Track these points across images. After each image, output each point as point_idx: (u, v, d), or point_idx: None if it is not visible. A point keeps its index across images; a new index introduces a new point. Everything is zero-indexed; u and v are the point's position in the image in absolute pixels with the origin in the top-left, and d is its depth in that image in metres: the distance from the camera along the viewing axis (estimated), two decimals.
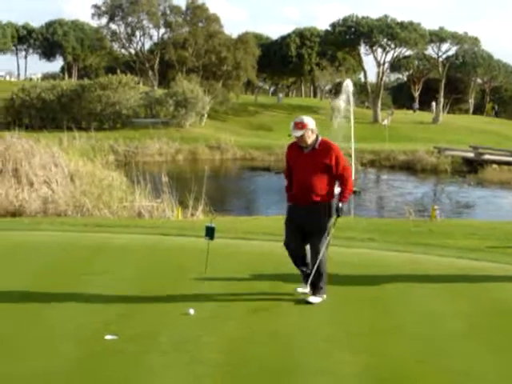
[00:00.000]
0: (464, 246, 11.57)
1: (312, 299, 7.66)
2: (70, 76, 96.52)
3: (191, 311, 7.27)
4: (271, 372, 5.80)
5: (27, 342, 6.38)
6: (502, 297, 8.23)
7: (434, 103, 78.66)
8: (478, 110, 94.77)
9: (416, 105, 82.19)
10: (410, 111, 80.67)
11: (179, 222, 15.36)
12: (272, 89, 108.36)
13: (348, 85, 34.24)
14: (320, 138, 7.80)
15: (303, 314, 7.27)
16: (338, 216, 7.81)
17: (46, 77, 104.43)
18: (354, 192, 30.56)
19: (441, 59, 75.57)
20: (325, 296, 7.78)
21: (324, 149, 7.72)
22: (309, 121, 7.76)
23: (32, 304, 7.53)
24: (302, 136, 7.68)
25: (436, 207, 16.10)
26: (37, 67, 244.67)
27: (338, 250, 10.92)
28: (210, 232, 8.29)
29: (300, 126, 7.67)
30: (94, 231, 12.63)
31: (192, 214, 18.34)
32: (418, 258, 10.43)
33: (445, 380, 5.68)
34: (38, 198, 20.52)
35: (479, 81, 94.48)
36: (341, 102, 35.02)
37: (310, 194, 7.67)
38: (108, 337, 6.50)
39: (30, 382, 5.51)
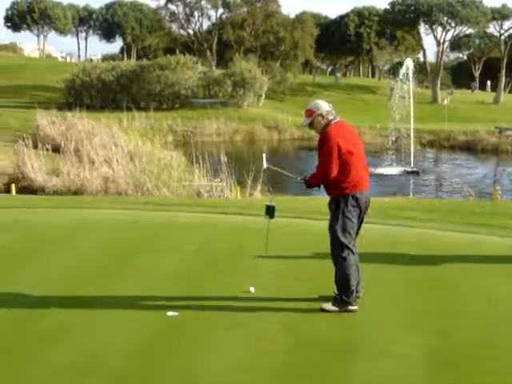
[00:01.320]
0: None
1: (325, 305, 6.79)
2: (129, 57, 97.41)
3: (252, 289, 7.30)
4: (335, 352, 5.79)
5: (91, 319, 6.53)
6: None
7: (489, 82, 77.27)
8: None
9: (474, 84, 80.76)
10: (469, 91, 79.31)
11: (238, 201, 15.44)
12: (330, 69, 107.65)
13: (408, 64, 33.81)
14: (327, 125, 6.75)
15: (368, 292, 7.21)
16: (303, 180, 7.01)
17: (105, 58, 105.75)
18: (414, 172, 30.31)
19: (503, 37, 74.02)
20: (336, 309, 6.72)
21: (321, 138, 6.77)
22: (318, 105, 6.85)
23: (98, 281, 7.67)
24: (311, 124, 6.88)
25: (498, 188, 15.84)
26: (97, 48, 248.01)
27: (399, 229, 10.92)
28: (270, 211, 8.24)
29: (308, 112, 6.87)
30: (154, 209, 12.76)
31: (250, 194, 18.41)
32: (479, 239, 10.27)
33: (510, 362, 5.60)
34: (98, 177, 20.85)
35: None
36: (400, 82, 34.56)
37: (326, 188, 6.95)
38: (170, 313, 6.58)
39: (95, 357, 5.61)
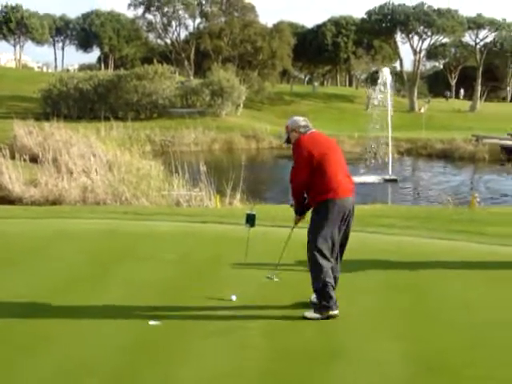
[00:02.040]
0: (505, 233, 11.44)
1: (307, 313, 6.78)
2: (106, 67, 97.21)
3: (233, 297, 7.31)
4: (316, 358, 5.80)
5: (74, 328, 6.49)
6: None
7: (462, 90, 78.15)
8: None
9: (448, 92, 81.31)
10: (453, 100, 79.96)
11: (218, 210, 15.46)
12: (307, 78, 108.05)
13: (385, 73, 34.04)
14: (298, 137, 6.91)
15: (347, 300, 7.25)
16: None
17: (82, 68, 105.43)
18: (392, 180, 30.46)
19: (478, 46, 74.73)
20: (318, 315, 6.72)
21: (293, 148, 6.91)
22: (292, 121, 7.08)
23: (78, 290, 7.64)
24: (289, 139, 7.08)
25: (476, 195, 15.97)
26: (73, 58, 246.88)
27: (377, 236, 10.99)
28: (250, 219, 8.26)
29: (286, 129, 7.15)
30: (134, 219, 12.74)
31: (230, 203, 18.44)
32: (457, 246, 10.35)
33: (487, 368, 5.63)
34: (77, 187, 20.77)
35: None
36: (377, 90, 34.78)
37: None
38: (152, 322, 6.58)
39: (80, 367, 5.59)
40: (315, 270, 6.75)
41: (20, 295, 7.43)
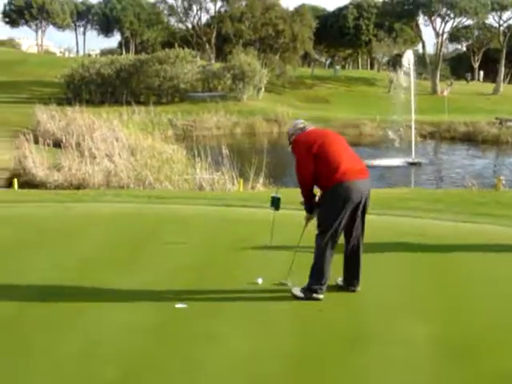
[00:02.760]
0: None
1: (294, 289, 6.88)
2: (127, 51, 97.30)
3: (259, 280, 7.30)
4: (346, 339, 5.80)
5: (99, 311, 6.51)
6: None
7: (481, 72, 77.49)
8: None
9: (469, 74, 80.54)
10: (474, 82, 79.26)
11: (242, 194, 15.46)
12: (328, 61, 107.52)
13: (409, 56, 33.80)
14: (294, 137, 7.02)
15: (374, 281, 7.24)
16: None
17: (104, 53, 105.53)
18: (415, 164, 30.32)
19: (502, 28, 73.92)
20: (302, 295, 6.78)
21: (292, 150, 7.01)
22: (291, 128, 7.19)
23: (104, 273, 7.66)
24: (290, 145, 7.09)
25: (501, 177, 15.84)
26: (95, 43, 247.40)
27: (402, 219, 10.94)
28: (275, 202, 8.23)
29: (287, 136, 7.19)
30: (158, 203, 12.78)
31: (252, 187, 18.44)
32: (483, 229, 10.28)
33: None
34: (100, 172, 20.87)
35: None
36: (400, 73, 34.58)
37: None
38: (178, 305, 6.59)
39: (104, 349, 5.62)
40: (317, 254, 6.81)
41: (48, 277, 7.47)
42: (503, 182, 15.62)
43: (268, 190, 15.70)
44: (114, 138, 27.60)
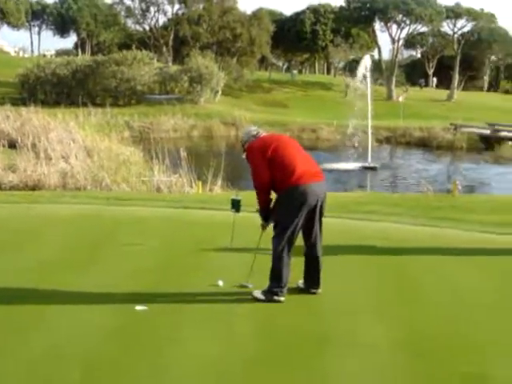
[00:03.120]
0: (488, 220, 11.51)
1: (255, 292, 6.91)
2: (83, 52, 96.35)
3: (220, 283, 7.29)
4: (310, 342, 5.82)
5: (58, 314, 6.43)
6: None
7: (434, 79, 78.83)
8: (492, 87, 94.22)
9: (422, 81, 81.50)
10: (427, 89, 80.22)
11: (200, 196, 15.41)
12: (285, 65, 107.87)
13: (366, 61, 34.06)
14: (248, 144, 7.06)
15: (336, 284, 7.27)
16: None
17: (59, 53, 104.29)
18: (371, 168, 30.56)
19: (456, 36, 74.98)
20: (263, 298, 6.79)
21: (246, 157, 7.05)
22: (243, 136, 7.22)
23: (64, 275, 7.55)
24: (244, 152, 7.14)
25: (457, 182, 16.03)
26: (50, 43, 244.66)
27: (363, 223, 11.01)
28: (235, 204, 8.27)
29: (241, 143, 7.24)
30: (116, 204, 12.67)
31: (210, 190, 18.38)
32: (442, 232, 10.41)
33: (479, 351, 5.68)
34: (56, 173, 20.58)
35: (494, 58, 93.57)
36: (357, 78, 34.83)
37: None
38: (138, 307, 6.53)
39: (65, 353, 5.53)
40: (274, 258, 6.82)
41: (8, 280, 7.36)
42: (459, 187, 15.79)
43: (226, 193, 15.68)
44: (71, 139, 27.26)
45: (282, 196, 6.77)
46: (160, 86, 54.94)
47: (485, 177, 30.27)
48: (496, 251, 9.07)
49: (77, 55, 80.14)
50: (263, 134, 7.15)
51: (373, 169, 30.80)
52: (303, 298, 6.94)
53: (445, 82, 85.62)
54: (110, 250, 8.70)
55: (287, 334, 6.00)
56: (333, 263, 7.56)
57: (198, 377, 5.13)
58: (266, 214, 7.05)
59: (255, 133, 7.13)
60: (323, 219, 7.01)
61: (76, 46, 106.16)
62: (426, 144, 42.69)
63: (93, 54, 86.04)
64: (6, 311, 6.44)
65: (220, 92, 55.78)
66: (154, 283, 7.33)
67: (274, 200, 6.98)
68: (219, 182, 18.78)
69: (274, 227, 6.89)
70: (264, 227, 7.21)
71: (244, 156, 7.16)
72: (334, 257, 8.21)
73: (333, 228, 9.53)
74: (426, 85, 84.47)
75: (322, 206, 6.89)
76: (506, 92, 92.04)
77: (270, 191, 6.91)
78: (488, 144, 40.39)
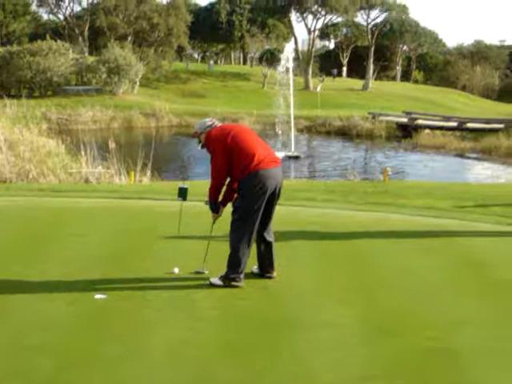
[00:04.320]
0: (421, 205, 11.89)
1: (212, 279, 6.98)
2: None
3: (176, 270, 7.31)
4: (271, 325, 5.90)
5: (18, 305, 6.35)
6: (472, 250, 8.52)
7: (344, 68, 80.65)
8: (404, 77, 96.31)
9: (335, 71, 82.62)
10: (339, 78, 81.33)
11: (136, 186, 15.33)
12: (200, 56, 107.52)
13: (288, 51, 34.39)
14: (207, 133, 7.07)
15: (288, 269, 7.39)
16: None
17: None
18: (295, 157, 30.89)
19: (370, 26, 76.33)
20: (221, 283, 6.88)
21: (206, 146, 7.08)
22: (199, 125, 7.21)
23: (11, 268, 7.42)
24: (201, 143, 7.18)
25: (388, 168, 16.43)
26: None
27: (302, 209, 11.17)
28: (183, 193, 8.26)
29: (194, 135, 7.24)
30: (52, 196, 12.48)
31: (140, 180, 18.29)
32: (380, 217, 10.68)
33: (438, 327, 5.90)
34: None
35: (405, 48, 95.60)
36: (279, 69, 35.11)
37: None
38: (98, 296, 6.50)
39: (25, 344, 5.46)
40: (232, 244, 6.93)
41: None
42: (389, 173, 16.19)
43: (161, 183, 15.65)
44: None
45: (244, 182, 6.80)
46: (77, 78, 54.19)
47: (405, 164, 30.99)
48: (435, 233, 9.38)
49: None
50: (218, 124, 7.19)
51: (296, 158, 31.14)
52: (260, 283, 7.03)
53: (359, 71, 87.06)
54: (58, 241, 8.57)
55: (250, 319, 6.06)
56: (281, 249, 7.66)
57: (171, 361, 5.15)
58: (216, 205, 7.13)
59: (210, 123, 7.15)
60: None
61: None
62: (345, 133, 43.39)
63: (2, 44, 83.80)
64: None
65: (138, 83, 55.29)
66: (108, 272, 7.27)
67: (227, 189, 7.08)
68: (149, 173, 18.70)
69: (233, 213, 6.95)
70: (216, 218, 7.28)
71: (199, 147, 7.22)
72: (281, 243, 8.33)
73: (275, 215, 9.70)
74: (339, 75, 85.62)
75: (279, 192, 7.01)
76: (416, 82, 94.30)
77: (226, 179, 6.98)
78: (406, 132, 41.34)
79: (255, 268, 7.30)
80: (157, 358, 5.18)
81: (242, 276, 6.90)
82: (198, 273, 7.30)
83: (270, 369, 5.04)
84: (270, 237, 7.15)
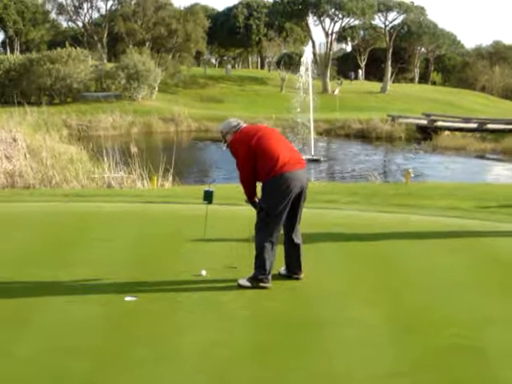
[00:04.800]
0: (445, 205, 11.89)
1: (240, 280, 7.04)
2: (12, 51, 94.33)
3: (203, 272, 7.37)
4: (300, 325, 5.96)
5: (49, 308, 6.42)
6: (497, 250, 8.55)
7: (360, 71, 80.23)
8: (422, 79, 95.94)
9: (352, 74, 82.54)
10: (356, 81, 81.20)
11: (158, 191, 15.40)
12: (217, 61, 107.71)
13: (307, 54, 34.42)
14: (232, 137, 7.15)
15: (313, 270, 7.43)
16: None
17: None
18: (315, 160, 30.91)
19: (387, 29, 76.17)
20: (249, 284, 6.94)
21: (231, 149, 7.14)
22: (224, 125, 7.31)
23: (42, 272, 7.51)
24: (227, 143, 7.25)
25: (410, 170, 16.43)
26: None
27: (326, 212, 11.20)
28: (208, 196, 8.32)
29: (221, 135, 7.33)
30: (76, 201, 12.58)
31: (162, 185, 18.39)
32: (404, 218, 10.68)
33: (465, 325, 5.93)
34: (2, 173, 20.27)
35: (423, 50, 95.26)
36: (300, 72, 35.08)
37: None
38: (128, 298, 6.58)
39: (62, 348, 5.53)
40: (257, 246, 6.99)
41: None
42: (411, 175, 16.20)
43: (184, 188, 15.74)
44: (11, 138, 26.82)
45: (269, 184, 6.87)
46: (96, 84, 54.46)
47: (426, 166, 30.91)
48: (460, 233, 9.39)
49: (5, 54, 78.46)
50: (243, 124, 7.25)
51: (316, 161, 31.14)
52: (288, 284, 7.09)
53: (376, 74, 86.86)
54: (85, 246, 8.66)
55: (279, 319, 6.12)
56: (308, 251, 7.69)
57: (204, 363, 5.20)
58: (255, 203, 7.19)
59: (235, 124, 7.23)
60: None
61: (3, 45, 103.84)
62: (364, 135, 43.39)
63: (22, 52, 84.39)
64: None
65: (156, 88, 55.54)
66: (136, 275, 7.36)
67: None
68: (170, 178, 18.81)
69: (258, 214, 7.03)
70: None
71: (224, 147, 7.29)
72: (307, 245, 8.39)
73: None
74: (356, 77, 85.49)
75: (305, 193, 7.06)
76: (434, 84, 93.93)
77: (255, 182, 7.06)
78: (425, 134, 41.27)
79: (282, 269, 7.37)
80: (188, 360, 5.25)
81: (269, 277, 6.96)
82: (231, 268, 7.55)
83: (299, 368, 5.09)
84: (297, 238, 7.21)
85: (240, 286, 6.96)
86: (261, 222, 6.98)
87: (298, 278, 7.23)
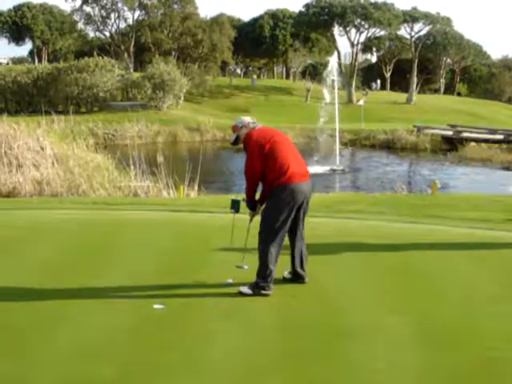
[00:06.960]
0: (473, 217, 11.80)
1: (241, 288, 7.10)
2: (39, 60, 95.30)
3: (230, 281, 7.43)
4: (327, 333, 5.99)
5: (80, 314, 6.50)
6: None
7: (374, 84, 79.94)
8: (448, 89, 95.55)
9: (374, 84, 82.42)
10: (382, 92, 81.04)
11: (188, 200, 15.49)
12: (243, 71, 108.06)
13: (333, 64, 34.47)
14: (248, 131, 7.20)
15: (343, 280, 7.44)
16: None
17: (14, 61, 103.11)
18: (340, 170, 30.85)
19: (413, 39, 75.97)
20: (250, 292, 7.00)
21: (244, 144, 7.21)
22: (240, 120, 7.36)
23: (75, 279, 7.60)
24: (238, 138, 7.30)
25: (436, 181, 16.38)
26: (3, 51, 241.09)
27: (352, 222, 11.20)
28: (235, 205, 8.35)
29: (234, 128, 7.36)
30: (105, 209, 12.69)
31: (187, 194, 18.47)
32: (433, 229, 10.64)
33: (499, 337, 5.89)
34: (30, 181, 20.49)
35: (449, 61, 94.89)
36: (326, 83, 35.12)
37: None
38: (156, 306, 6.63)
39: (90, 352, 5.60)
40: (260, 254, 7.06)
41: (19, 282, 7.40)
42: (438, 185, 16.13)
43: (210, 197, 15.80)
44: (39, 146, 27.07)
45: (273, 193, 6.97)
46: (122, 93, 54.83)
47: (452, 177, 30.75)
48: (491, 245, 9.33)
49: (33, 63, 79.31)
50: (259, 125, 7.32)
51: (342, 171, 31.13)
52: (313, 293, 7.11)
53: (401, 84, 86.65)
54: (115, 253, 8.75)
55: (307, 327, 6.14)
56: (334, 260, 7.71)
57: (235, 369, 5.24)
58: (252, 204, 7.30)
59: (252, 121, 7.33)
60: (313, 219, 7.26)
61: (31, 54, 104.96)
62: (389, 146, 43.25)
63: (49, 61, 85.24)
64: (24, 312, 6.50)
65: (182, 98, 55.80)
66: (164, 283, 7.42)
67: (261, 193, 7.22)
68: (196, 187, 18.90)
69: (261, 223, 7.10)
70: (253, 216, 7.46)
71: (232, 140, 7.38)
72: (334, 255, 8.46)
73: (326, 227, 9.84)
74: (382, 87, 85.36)
75: (307, 204, 7.19)
76: (459, 94, 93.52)
77: (258, 183, 7.14)
78: (451, 145, 41.07)
79: (286, 273, 7.51)
80: (216, 368, 5.28)
81: (271, 285, 7.04)
82: (238, 267, 7.68)
83: (327, 375, 5.13)
84: (301, 244, 7.33)
85: (241, 294, 7.03)
86: (263, 231, 7.06)
87: (303, 282, 7.38)
